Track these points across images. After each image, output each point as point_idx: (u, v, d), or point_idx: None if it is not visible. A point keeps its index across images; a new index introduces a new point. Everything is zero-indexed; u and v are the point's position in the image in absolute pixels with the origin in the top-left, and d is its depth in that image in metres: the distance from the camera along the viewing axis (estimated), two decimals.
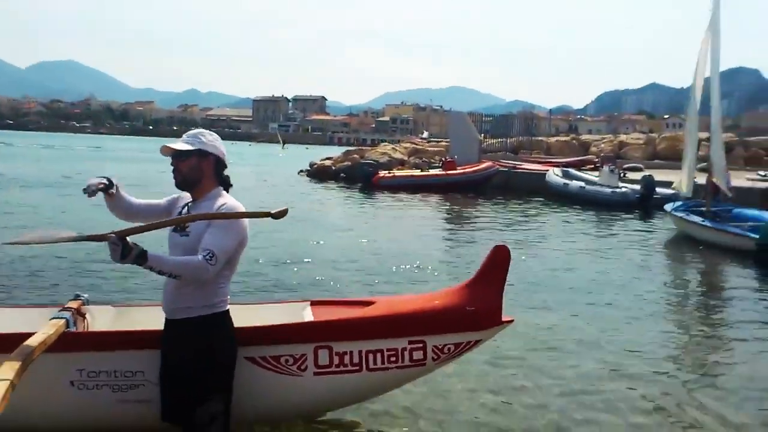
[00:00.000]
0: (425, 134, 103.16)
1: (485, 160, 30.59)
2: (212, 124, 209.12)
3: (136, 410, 3.96)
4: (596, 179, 25.00)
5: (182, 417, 3.65)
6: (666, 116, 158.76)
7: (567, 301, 9.08)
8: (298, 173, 37.11)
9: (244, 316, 4.37)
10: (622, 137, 40.29)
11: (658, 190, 22.53)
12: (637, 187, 23.10)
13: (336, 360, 4.09)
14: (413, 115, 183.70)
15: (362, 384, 4.21)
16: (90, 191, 3.70)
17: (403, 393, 5.05)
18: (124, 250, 3.28)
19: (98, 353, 3.94)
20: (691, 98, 17.50)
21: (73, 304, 4.41)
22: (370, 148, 40.10)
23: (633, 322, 8.14)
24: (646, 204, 22.20)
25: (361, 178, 29.01)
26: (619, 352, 6.92)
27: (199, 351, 3.62)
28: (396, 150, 37.31)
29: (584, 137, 43.00)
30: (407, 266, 11.26)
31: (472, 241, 15.34)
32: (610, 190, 23.47)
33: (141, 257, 3.32)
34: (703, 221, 15.40)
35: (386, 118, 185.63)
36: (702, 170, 18.74)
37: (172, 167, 3.71)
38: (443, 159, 31.38)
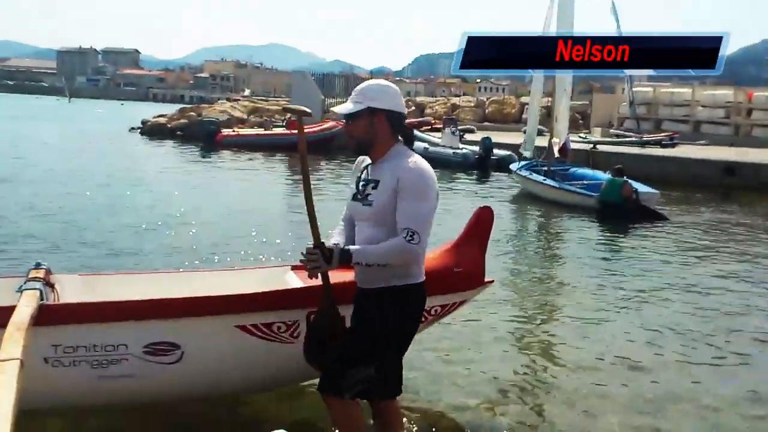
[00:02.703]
0: (247, 92, 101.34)
1: (328, 120, 30.93)
2: (10, 76, 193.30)
3: (119, 387, 3.75)
4: (438, 141, 26.05)
5: (331, 371, 3.49)
6: (479, 80, 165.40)
7: None
8: (130, 131, 35.68)
9: (225, 282, 4.29)
10: (454, 100, 42.06)
11: (495, 151, 23.93)
12: (477, 148, 24.19)
13: None
14: (234, 72, 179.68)
15: None
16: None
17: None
18: (325, 255, 3.19)
19: (76, 326, 3.64)
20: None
21: (39, 273, 3.98)
22: (207, 105, 39.26)
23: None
24: (484, 164, 23.42)
25: (204, 137, 28.41)
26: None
27: (379, 320, 3.38)
28: (235, 108, 36.66)
29: (419, 99, 44.48)
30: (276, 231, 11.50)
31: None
32: (452, 151, 24.47)
33: (344, 257, 3.19)
34: (545, 180, 16.63)
35: (205, 75, 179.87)
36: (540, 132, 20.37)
37: (344, 132, 3.47)
38: (287, 118, 31.33)
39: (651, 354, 6.09)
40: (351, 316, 3.59)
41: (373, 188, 3.30)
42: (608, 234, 12.64)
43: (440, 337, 5.90)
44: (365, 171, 3.42)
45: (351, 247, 3.22)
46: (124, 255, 8.83)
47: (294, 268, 4.52)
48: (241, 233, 10.48)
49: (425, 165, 3.31)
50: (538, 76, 18.87)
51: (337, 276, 3.78)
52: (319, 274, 3.47)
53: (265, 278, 4.41)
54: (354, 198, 3.43)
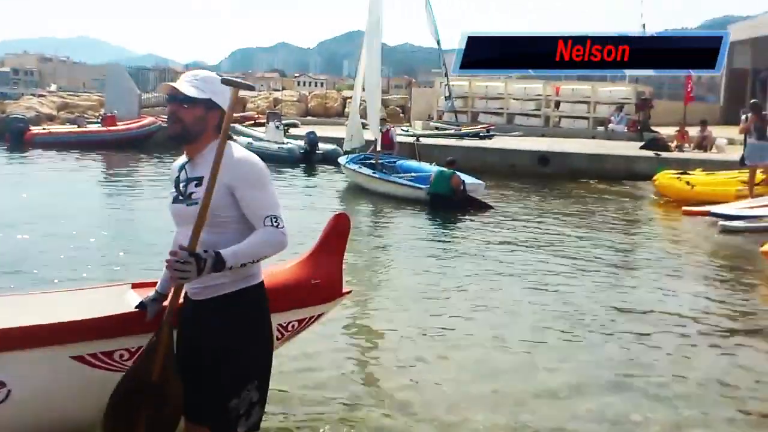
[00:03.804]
0: (53, 87, 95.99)
1: (146, 116, 29.68)
2: None
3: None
4: (263, 135, 25.59)
5: (212, 413, 3.08)
6: (297, 74, 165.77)
7: None
8: None
9: (55, 306, 3.84)
10: (276, 94, 41.59)
11: (320, 145, 23.85)
12: (302, 142, 23.91)
13: None
14: (38, 67, 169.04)
15: None
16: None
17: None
18: (199, 264, 2.84)
19: None
20: (359, 62, 18.95)
21: None
22: (11, 101, 36.46)
23: None
24: (310, 159, 23.23)
25: (11, 135, 26.22)
26: None
27: (243, 329, 3.09)
28: (43, 104, 34.19)
29: (241, 94, 42.92)
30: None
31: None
32: (277, 145, 24.08)
33: (218, 262, 2.86)
34: (374, 173, 16.72)
35: (6, 69, 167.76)
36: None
37: (169, 113, 3.12)
38: (103, 114, 29.79)
39: (494, 342, 6.28)
40: (185, 337, 3.20)
41: (197, 185, 3.05)
42: (439, 225, 12.94)
43: None
44: (183, 170, 3.16)
45: (222, 251, 2.92)
46: None
47: (135, 286, 4.13)
48: (62, 244, 9.71)
49: (250, 153, 3.13)
50: (359, 71, 19.04)
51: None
52: (172, 291, 3.17)
53: (102, 300, 3.94)
54: (175, 201, 3.15)
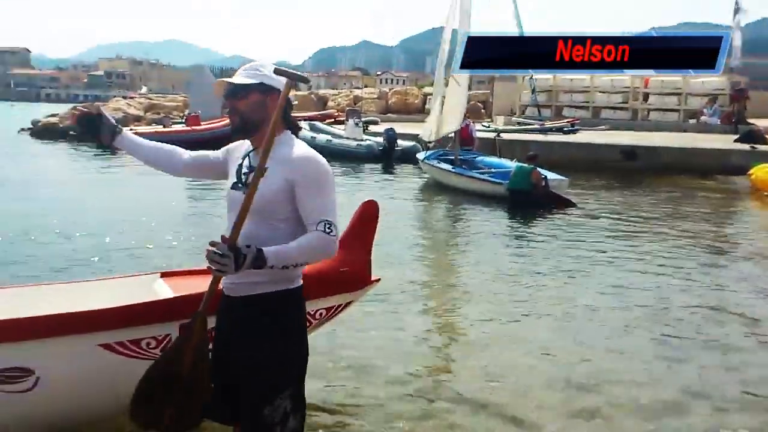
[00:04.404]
0: (144, 89, 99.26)
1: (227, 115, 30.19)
2: None
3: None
4: (342, 133, 25.59)
5: (245, 415, 2.98)
6: (379, 72, 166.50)
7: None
8: (19, 132, 33.97)
9: (87, 295, 3.88)
10: (357, 92, 41.67)
11: (399, 142, 23.64)
12: (380, 139, 23.76)
13: None
14: (130, 70, 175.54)
15: None
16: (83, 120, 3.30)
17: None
18: (238, 259, 2.67)
19: None
20: (438, 57, 18.63)
21: None
22: (101, 103, 37.98)
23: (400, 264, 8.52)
24: (389, 156, 23.06)
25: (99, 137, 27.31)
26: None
27: (276, 335, 2.93)
28: (130, 105, 35.34)
29: (321, 92, 43.89)
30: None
31: None
32: (356, 143, 24.10)
33: (259, 259, 2.69)
34: (453, 169, 16.48)
35: (100, 73, 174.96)
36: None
37: (226, 109, 3.01)
38: (187, 114, 30.36)
39: (573, 340, 5.99)
40: (220, 331, 3.08)
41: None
42: (518, 222, 12.51)
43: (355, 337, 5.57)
44: (247, 158, 3.02)
45: (265, 249, 2.72)
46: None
47: (164, 275, 4.15)
48: (142, 236, 10.00)
49: (318, 154, 2.96)
50: (440, 66, 18.72)
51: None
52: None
53: (132, 288, 3.97)
54: (234, 187, 3.01)
